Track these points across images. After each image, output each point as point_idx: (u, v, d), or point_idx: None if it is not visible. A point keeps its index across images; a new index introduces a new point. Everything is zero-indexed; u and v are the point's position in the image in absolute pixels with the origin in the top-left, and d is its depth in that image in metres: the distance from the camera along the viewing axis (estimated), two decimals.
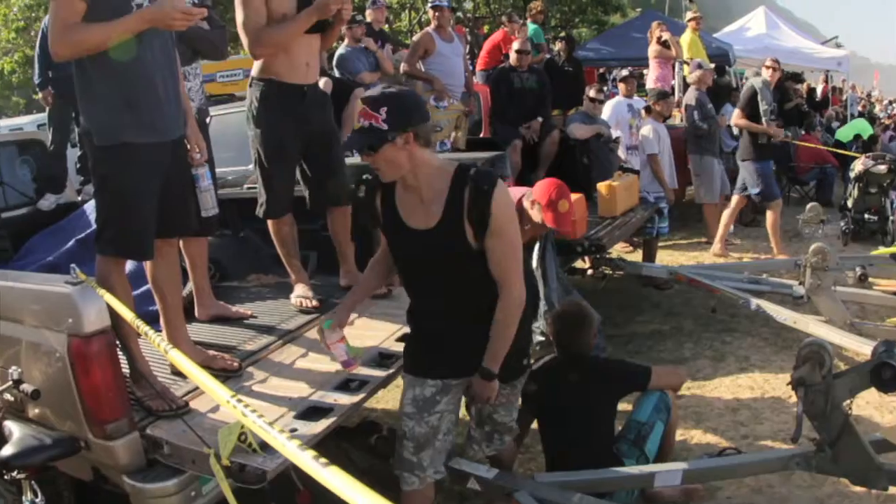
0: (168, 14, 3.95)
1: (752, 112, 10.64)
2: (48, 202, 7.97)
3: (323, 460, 2.11)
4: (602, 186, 8.90)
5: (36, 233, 7.20)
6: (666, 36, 14.56)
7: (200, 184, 4.94)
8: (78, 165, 9.02)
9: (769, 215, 10.88)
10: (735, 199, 11.33)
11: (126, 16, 3.97)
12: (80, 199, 8.34)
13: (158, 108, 4.18)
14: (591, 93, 10.51)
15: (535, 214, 5.67)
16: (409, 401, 4.16)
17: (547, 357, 5.48)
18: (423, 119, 3.82)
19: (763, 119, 10.56)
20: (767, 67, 11.26)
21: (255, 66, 5.53)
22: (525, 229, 5.57)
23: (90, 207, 7.04)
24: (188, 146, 4.75)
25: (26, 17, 35.34)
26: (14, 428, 4.00)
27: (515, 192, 5.74)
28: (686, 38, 15.05)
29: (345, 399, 4.20)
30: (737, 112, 10.86)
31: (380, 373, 4.56)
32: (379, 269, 4.48)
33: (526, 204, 5.72)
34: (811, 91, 20.64)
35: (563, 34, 14.05)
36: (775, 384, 6.92)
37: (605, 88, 14.45)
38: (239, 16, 5.34)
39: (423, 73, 9.70)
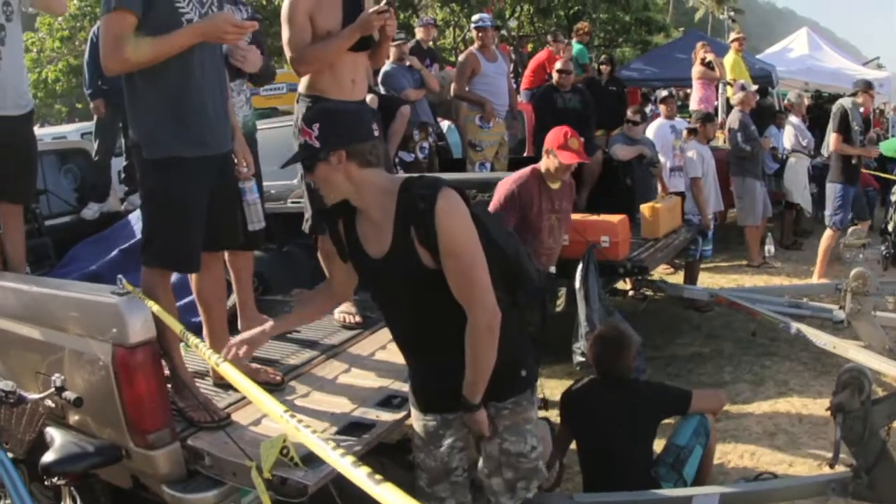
0: (220, 28, 3.99)
1: (844, 134, 10.52)
2: (91, 211, 8.02)
3: (378, 477, 2.10)
4: (645, 208, 8.87)
5: (78, 241, 7.24)
6: (710, 57, 14.51)
7: (247, 197, 4.95)
8: (122, 175, 9.06)
9: (826, 238, 10.75)
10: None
11: (178, 30, 4.00)
12: (123, 208, 8.39)
13: (207, 122, 4.21)
14: (629, 114, 10.46)
15: (552, 161, 6.17)
16: (416, 431, 3.94)
17: (586, 378, 5.44)
18: (359, 138, 3.49)
19: (855, 141, 10.49)
20: (864, 93, 11.14)
21: (302, 83, 5.55)
22: (552, 181, 6.36)
23: (134, 217, 7.09)
24: (235, 160, 4.77)
25: (71, 27, 35.67)
26: (56, 434, 4.02)
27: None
28: (729, 58, 14.99)
29: (387, 415, 4.21)
30: (834, 136, 10.67)
31: None
32: (319, 298, 4.27)
33: (542, 163, 6.31)
34: None
35: (604, 56, 14.00)
36: (813, 409, 6.85)
37: (647, 109, 14.38)
38: (284, 33, 5.37)
39: (474, 96, 9.75)
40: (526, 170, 6.48)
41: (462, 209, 3.42)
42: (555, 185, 6.39)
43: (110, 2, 3.95)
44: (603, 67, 13.13)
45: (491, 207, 6.34)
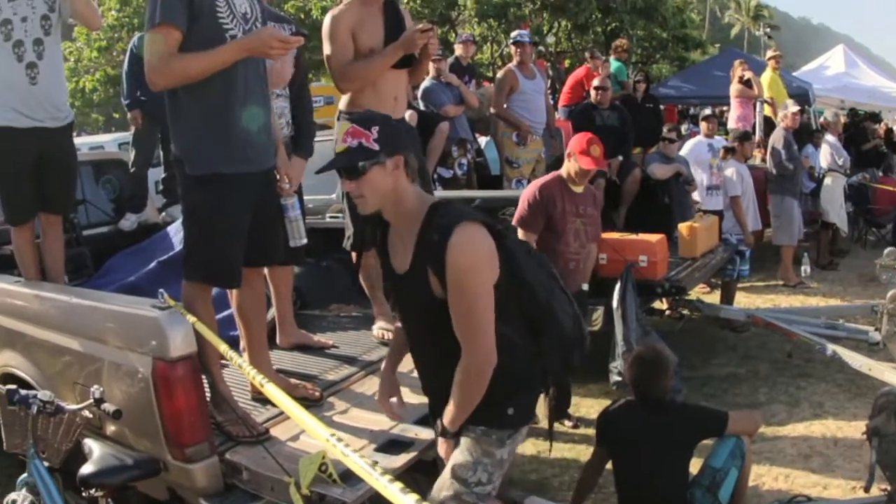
0: (266, 43, 4.00)
1: None
2: (129, 222, 8.06)
3: (415, 496, 2.09)
4: (683, 227, 8.84)
5: (116, 252, 7.27)
6: (748, 75, 14.46)
7: (289, 214, 4.96)
8: (160, 187, 9.10)
9: None
10: None
11: (223, 46, 4.02)
12: (161, 219, 8.43)
13: (249, 138, 4.23)
14: (665, 132, 10.43)
15: (573, 164, 6.29)
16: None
17: (623, 399, 5.42)
18: (410, 148, 3.48)
19: None
20: None
21: (343, 100, 5.58)
22: (574, 185, 6.46)
23: (173, 229, 7.11)
24: (278, 176, 4.78)
25: (109, 38, 35.90)
26: (94, 446, 4.03)
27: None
28: (766, 76, 14.96)
29: (425, 434, 4.18)
30: None
31: None
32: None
33: (564, 166, 6.46)
34: (889, 132, 20.35)
35: (640, 73, 13.98)
36: (848, 431, 6.81)
37: (684, 127, 14.36)
38: (326, 49, 5.40)
39: (512, 116, 9.79)
40: (548, 175, 6.68)
41: (479, 247, 3.28)
42: (577, 189, 6.50)
43: (155, 17, 3.98)
44: (639, 85, 13.12)
45: (517, 214, 6.45)
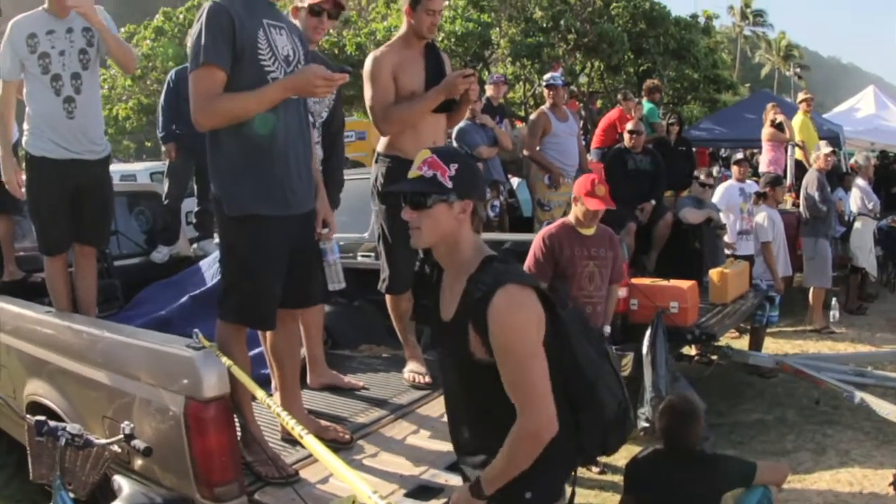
0: (310, 82, 4.01)
1: None
2: (161, 254, 8.10)
3: None
4: (714, 273, 8.85)
5: (147, 283, 7.31)
6: (780, 118, 14.43)
7: (328, 258, 4.97)
8: (195, 221, 9.13)
9: None
10: None
11: (267, 86, 4.04)
12: (192, 253, 8.46)
13: (289, 182, 4.25)
14: (702, 177, 10.40)
15: (580, 207, 6.31)
16: None
17: (652, 447, 5.38)
18: (483, 197, 3.34)
19: None
20: None
21: (381, 143, 5.61)
22: (584, 227, 6.45)
23: (206, 264, 7.15)
24: (317, 220, 4.79)
25: (143, 66, 36.14)
26: (124, 484, 4.01)
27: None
28: (798, 120, 14.91)
29: (456, 479, 4.15)
30: None
31: None
32: None
33: (572, 211, 6.51)
34: None
35: (673, 116, 13.99)
36: (874, 480, 6.75)
37: (715, 170, 14.34)
38: (367, 90, 5.44)
39: (544, 160, 9.79)
40: (555, 222, 6.69)
41: (524, 311, 3.02)
42: (588, 232, 6.51)
43: (199, 57, 4.01)
44: (672, 128, 13.12)
45: (526, 263, 6.44)
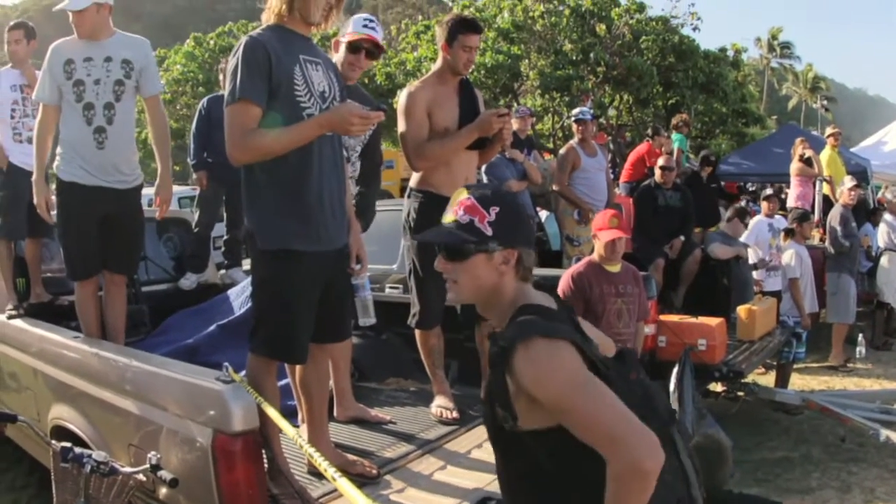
0: (346, 120, 3.99)
1: None
2: (189, 282, 8.12)
3: None
4: (742, 310, 8.85)
5: (174, 310, 7.32)
6: (809, 153, 14.40)
7: (360, 294, 4.95)
8: (223, 248, 9.16)
9: None
10: None
11: (302, 123, 4.05)
12: (220, 280, 8.48)
13: (323, 217, 4.25)
14: (731, 213, 10.39)
15: (598, 243, 6.41)
16: None
17: None
18: (531, 243, 2.88)
19: None
20: None
21: (414, 178, 5.65)
22: (609, 263, 6.50)
23: (234, 293, 7.16)
24: (350, 256, 4.79)
25: (173, 91, 36.45)
26: None
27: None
28: (825, 154, 14.89)
29: None
30: None
31: None
32: None
33: (595, 251, 6.58)
34: None
35: (708, 156, 14.02)
36: None
37: (744, 205, 14.34)
38: (401, 125, 5.46)
39: (573, 195, 9.78)
40: (583, 260, 6.76)
41: (554, 359, 2.50)
42: (614, 269, 6.56)
43: (234, 92, 4.02)
44: (706, 168, 13.15)
45: None
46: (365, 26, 5.52)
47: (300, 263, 4.19)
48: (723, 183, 14.30)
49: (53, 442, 4.07)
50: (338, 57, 5.51)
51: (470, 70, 5.61)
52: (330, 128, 4.08)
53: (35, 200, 5.82)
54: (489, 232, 2.70)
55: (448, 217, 2.80)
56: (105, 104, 5.61)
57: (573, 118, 10.38)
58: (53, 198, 5.77)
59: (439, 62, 5.66)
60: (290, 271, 4.19)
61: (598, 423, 2.45)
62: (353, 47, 5.47)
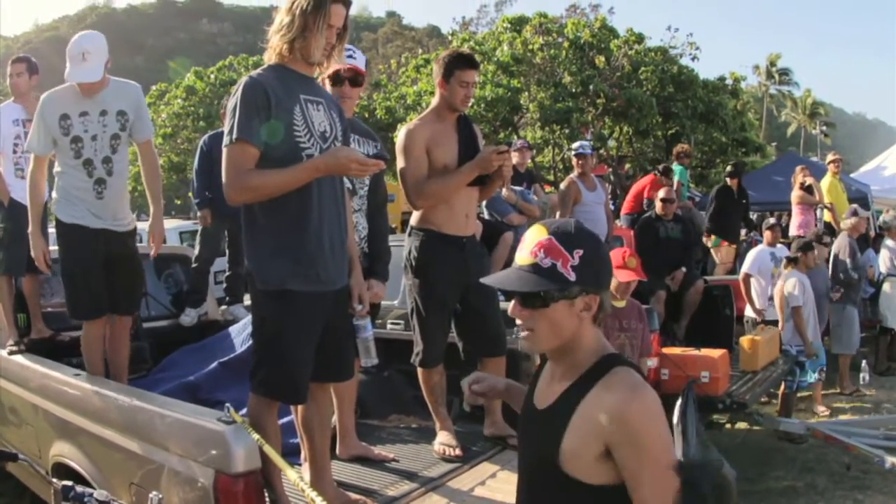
0: (343, 165, 4.02)
1: None
2: (189, 318, 8.12)
3: None
4: (744, 340, 8.87)
5: (176, 346, 7.32)
6: (810, 181, 14.41)
7: (361, 335, 4.88)
8: (225, 284, 9.16)
9: None
10: None
11: (299, 164, 4.06)
12: (221, 316, 8.48)
13: (322, 258, 4.25)
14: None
15: (613, 281, 6.00)
16: None
17: None
18: (609, 286, 2.71)
19: None
20: None
21: (414, 216, 5.63)
22: (616, 300, 6.48)
23: (235, 330, 7.17)
24: (352, 296, 4.77)
25: (174, 125, 36.61)
26: None
27: None
28: (826, 181, 14.90)
29: None
30: None
31: None
32: None
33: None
34: None
35: (730, 168, 14.13)
36: None
37: (750, 234, 14.42)
38: (400, 163, 5.47)
39: None
40: None
41: (662, 422, 2.45)
42: (619, 305, 6.57)
43: (232, 133, 4.04)
44: (730, 180, 13.22)
45: None
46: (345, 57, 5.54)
47: (297, 303, 4.19)
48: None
49: (55, 480, 4.04)
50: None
51: (469, 105, 5.60)
52: (327, 171, 4.08)
53: (32, 253, 5.86)
54: (572, 277, 2.50)
55: (524, 258, 2.57)
56: (103, 158, 5.70)
57: (573, 152, 10.39)
58: (53, 247, 5.80)
59: (437, 99, 5.66)
60: (288, 312, 4.19)
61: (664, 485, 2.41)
62: (334, 79, 5.46)
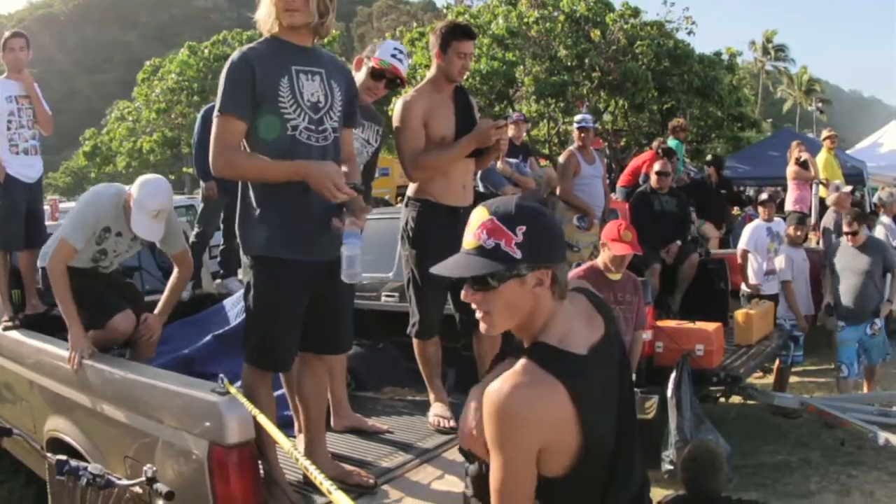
0: (321, 182, 4.01)
1: None
2: (186, 291, 8.10)
3: None
4: (739, 314, 8.87)
5: (170, 320, 7.31)
6: (805, 156, 14.39)
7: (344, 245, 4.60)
8: (219, 258, 9.14)
9: None
10: None
11: (284, 163, 4.09)
12: (216, 289, 8.46)
13: (310, 229, 4.26)
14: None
15: (607, 253, 6.39)
16: None
17: (675, 494, 5.32)
18: (563, 256, 2.66)
19: None
20: None
21: (412, 187, 5.63)
22: (611, 273, 6.49)
23: (230, 303, 7.17)
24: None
25: (168, 100, 36.56)
26: None
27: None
28: (821, 157, 14.89)
29: None
30: None
31: None
32: None
33: (600, 256, 6.58)
34: None
35: (710, 158, 14.06)
36: None
37: (745, 209, 14.40)
38: (397, 136, 5.46)
39: (580, 202, 9.72)
40: (582, 266, 6.77)
41: (526, 404, 2.39)
42: (615, 277, 6.55)
43: (219, 106, 4.10)
44: (709, 168, 13.19)
45: None
46: (393, 55, 5.57)
47: (287, 271, 4.22)
48: (734, 188, 14.35)
49: (49, 454, 4.05)
50: (358, 76, 5.50)
51: (465, 77, 5.59)
52: (306, 178, 4.06)
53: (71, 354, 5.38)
54: (518, 255, 2.46)
55: (469, 242, 2.55)
56: (112, 267, 6.06)
57: (576, 125, 10.32)
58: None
59: (433, 70, 5.64)
60: (277, 278, 4.23)
61: (495, 483, 2.45)
62: (376, 74, 5.50)
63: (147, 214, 5.49)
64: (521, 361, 2.46)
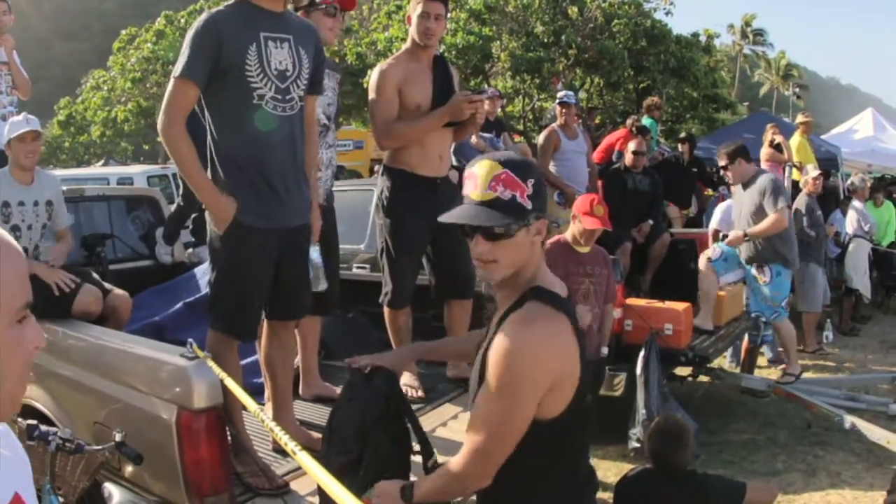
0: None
1: None
2: (168, 255, 8.05)
3: None
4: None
5: (142, 288, 7.30)
6: (779, 139, 14.42)
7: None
8: (191, 227, 9.11)
9: None
10: None
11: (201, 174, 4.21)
12: (187, 258, 8.43)
13: (275, 196, 4.28)
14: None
15: (577, 226, 6.29)
16: None
17: (642, 467, 5.36)
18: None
19: None
20: None
21: (387, 155, 5.61)
22: (580, 246, 6.41)
23: (200, 271, 7.16)
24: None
25: (143, 69, 36.33)
26: (114, 491, 4.02)
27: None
28: (795, 140, 14.87)
29: None
30: None
31: None
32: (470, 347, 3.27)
33: (569, 229, 6.48)
34: None
35: (684, 134, 14.07)
36: (865, 502, 6.78)
37: (718, 190, 14.44)
38: (371, 103, 5.44)
39: (559, 181, 9.77)
40: (552, 238, 6.64)
41: (545, 337, 2.57)
42: (583, 250, 6.50)
43: (180, 68, 4.07)
44: (682, 146, 13.21)
45: None
46: None
47: (250, 237, 4.23)
48: (707, 168, 14.35)
49: (19, 420, 4.04)
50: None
51: (430, 39, 5.50)
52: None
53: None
54: (529, 206, 2.59)
55: (483, 194, 2.60)
56: (34, 246, 5.84)
57: (558, 101, 10.35)
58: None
59: (409, 38, 5.60)
60: (240, 244, 4.25)
61: (488, 422, 2.61)
62: (330, 12, 5.34)
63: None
64: (528, 305, 2.64)
